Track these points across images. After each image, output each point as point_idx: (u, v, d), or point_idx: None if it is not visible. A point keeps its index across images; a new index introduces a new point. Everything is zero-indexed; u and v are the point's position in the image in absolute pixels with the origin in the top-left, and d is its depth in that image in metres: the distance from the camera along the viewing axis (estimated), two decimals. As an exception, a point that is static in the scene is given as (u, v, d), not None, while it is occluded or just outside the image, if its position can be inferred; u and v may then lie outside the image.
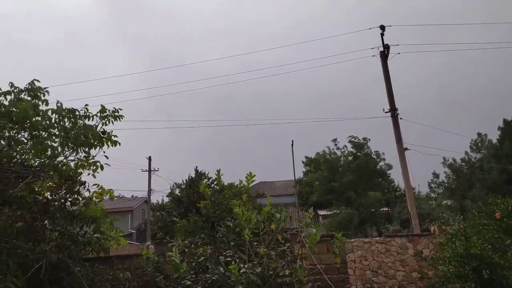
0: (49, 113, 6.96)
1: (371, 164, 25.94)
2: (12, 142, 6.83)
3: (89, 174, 7.19)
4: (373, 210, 23.71)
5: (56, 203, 6.92)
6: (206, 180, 27.70)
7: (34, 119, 6.72)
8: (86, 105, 7.17)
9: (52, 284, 6.11)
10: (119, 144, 7.40)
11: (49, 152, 6.94)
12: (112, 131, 7.31)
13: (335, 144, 28.73)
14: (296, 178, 36.01)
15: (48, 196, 7.03)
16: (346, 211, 24.16)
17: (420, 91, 72.80)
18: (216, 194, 8.61)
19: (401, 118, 15.13)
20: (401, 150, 14.74)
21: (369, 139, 26.57)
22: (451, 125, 56.78)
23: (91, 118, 7.17)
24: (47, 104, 7.01)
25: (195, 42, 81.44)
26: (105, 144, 7.22)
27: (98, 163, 7.16)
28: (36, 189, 6.84)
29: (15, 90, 6.84)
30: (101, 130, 7.18)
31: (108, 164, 7.25)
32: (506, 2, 66.98)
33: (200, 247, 5.95)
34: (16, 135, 6.92)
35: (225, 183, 7.79)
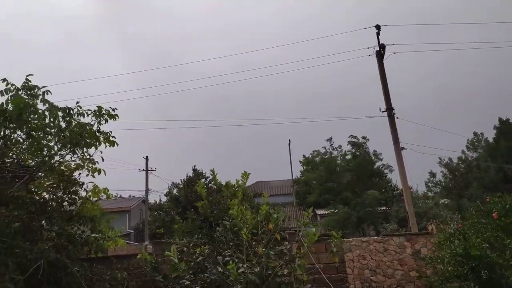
0: (45, 112, 6.90)
1: (369, 163, 26.01)
2: (8, 142, 6.77)
3: (87, 175, 7.17)
4: (370, 209, 23.77)
5: (53, 203, 6.89)
6: (203, 179, 27.67)
7: (26, 115, 6.64)
8: (78, 102, 7.12)
9: (51, 284, 6.08)
10: (117, 144, 7.37)
11: (45, 152, 6.89)
12: (111, 132, 7.29)
13: (331, 144, 28.84)
14: (293, 177, 36.06)
15: (46, 196, 7.00)
16: (344, 210, 24.20)
17: (419, 90, 73.09)
18: (213, 193, 8.60)
19: (397, 118, 15.16)
20: (398, 149, 14.77)
21: (368, 139, 26.67)
22: (449, 124, 56.87)
23: (84, 115, 7.11)
24: (46, 103, 6.94)
25: (194, 42, 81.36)
26: (102, 143, 7.19)
27: (96, 162, 7.14)
28: (34, 189, 6.80)
29: (12, 88, 6.78)
30: (96, 129, 7.13)
31: (103, 170, 7.26)
32: (505, 2, 67.26)
33: (198, 247, 5.93)
34: (11, 134, 6.86)
35: (222, 183, 7.78)
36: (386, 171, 27.39)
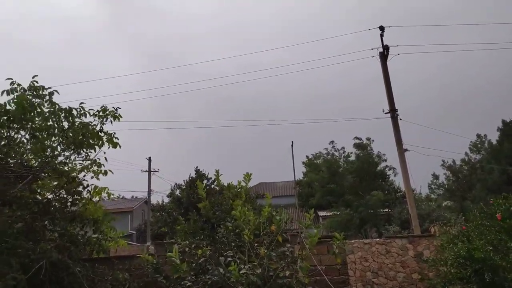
0: (47, 113, 6.90)
1: (372, 165, 25.94)
2: (11, 142, 6.79)
3: (92, 177, 7.18)
4: (372, 211, 23.69)
5: (56, 204, 6.91)
6: (206, 180, 27.70)
7: (31, 115, 6.64)
8: (81, 103, 7.12)
9: (53, 284, 6.10)
10: (120, 146, 7.36)
11: (48, 152, 6.90)
12: (115, 133, 7.28)
13: (333, 146, 28.83)
14: (296, 179, 36.01)
15: (49, 197, 7.02)
16: (346, 212, 24.14)
17: (422, 91, 72.83)
18: (216, 195, 8.59)
19: (400, 119, 15.11)
20: (401, 151, 14.72)
21: (373, 140, 26.60)
22: (453, 125, 56.63)
23: (86, 115, 7.10)
24: (52, 104, 6.94)
25: (195, 42, 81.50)
26: (104, 143, 7.18)
27: (102, 165, 7.14)
28: (38, 190, 6.83)
29: (18, 88, 6.78)
30: (99, 129, 7.12)
31: (111, 171, 7.26)
32: (507, 2, 67.03)
33: (200, 248, 5.92)
34: (15, 134, 6.87)
35: (225, 184, 7.78)
36: (389, 172, 27.33)
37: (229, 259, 5.51)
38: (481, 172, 27.06)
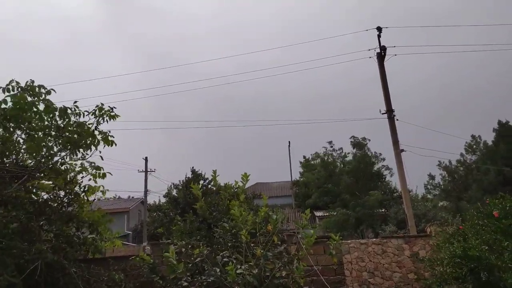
0: (42, 113, 6.85)
1: (369, 165, 26.00)
2: (7, 142, 6.74)
3: (90, 179, 7.13)
4: (369, 211, 23.74)
5: (52, 204, 6.86)
6: (202, 181, 27.63)
7: (28, 115, 6.59)
8: (75, 102, 7.06)
9: (48, 285, 6.06)
10: (115, 144, 7.30)
11: (44, 152, 6.85)
12: (110, 131, 7.23)
13: (331, 146, 28.90)
14: (292, 179, 36.06)
15: (45, 197, 6.98)
16: (342, 211, 24.18)
17: (422, 91, 73.11)
18: (212, 195, 8.58)
19: (397, 120, 15.16)
20: (398, 151, 14.76)
21: (369, 140, 26.67)
22: (453, 125, 56.81)
23: (82, 115, 7.05)
24: (47, 103, 6.88)
25: (194, 42, 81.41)
26: (99, 142, 7.12)
27: (101, 168, 7.08)
28: (33, 189, 6.78)
29: (16, 87, 6.73)
30: (94, 128, 7.06)
31: (110, 173, 7.21)
32: (507, 2, 67.39)
33: (196, 249, 5.91)
34: (11, 134, 6.82)
35: (222, 184, 7.76)
36: (385, 173, 27.42)
37: (226, 259, 5.50)
38: (477, 173, 27.18)
